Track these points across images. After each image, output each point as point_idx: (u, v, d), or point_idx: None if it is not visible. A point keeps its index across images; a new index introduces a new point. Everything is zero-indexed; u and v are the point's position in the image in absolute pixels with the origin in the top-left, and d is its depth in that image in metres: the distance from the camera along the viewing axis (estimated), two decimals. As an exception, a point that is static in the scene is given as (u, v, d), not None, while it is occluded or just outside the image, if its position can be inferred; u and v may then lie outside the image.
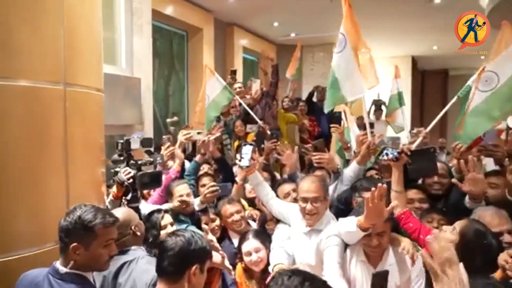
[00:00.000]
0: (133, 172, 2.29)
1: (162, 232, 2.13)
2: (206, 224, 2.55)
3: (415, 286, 1.92)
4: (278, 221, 2.51)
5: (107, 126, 2.47)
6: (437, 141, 6.92)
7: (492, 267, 1.37)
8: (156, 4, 5.07)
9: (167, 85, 6.21)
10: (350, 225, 1.91)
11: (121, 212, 1.92)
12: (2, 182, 1.78)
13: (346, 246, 2.07)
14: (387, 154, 2.23)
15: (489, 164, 2.73)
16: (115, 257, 1.71)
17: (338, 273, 1.92)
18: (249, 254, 2.25)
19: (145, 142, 2.48)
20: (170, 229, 2.17)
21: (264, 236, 2.37)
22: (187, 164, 3.38)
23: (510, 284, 1.23)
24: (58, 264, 1.55)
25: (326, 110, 3.19)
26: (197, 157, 3.13)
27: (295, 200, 2.29)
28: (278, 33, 8.14)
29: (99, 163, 2.28)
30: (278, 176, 3.48)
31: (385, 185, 1.81)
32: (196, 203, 2.69)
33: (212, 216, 2.65)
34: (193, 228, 2.44)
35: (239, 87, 4.78)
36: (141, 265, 1.77)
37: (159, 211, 2.24)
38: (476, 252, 1.07)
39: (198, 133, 3.31)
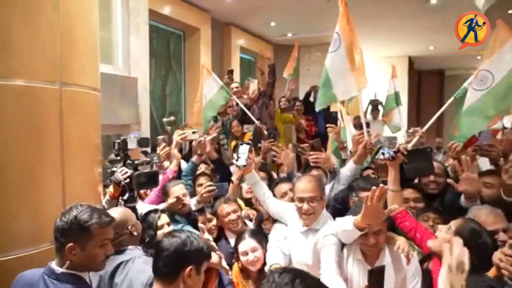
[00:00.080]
0: (129, 172, 2.29)
1: (159, 232, 2.13)
2: (203, 224, 2.55)
3: (411, 285, 1.92)
4: (274, 220, 2.51)
5: (104, 126, 2.46)
6: (434, 141, 6.95)
7: (487, 265, 1.38)
8: (153, 4, 5.06)
9: (164, 85, 6.20)
10: (346, 225, 1.92)
11: (118, 212, 1.91)
12: (-2, 182, 1.77)
13: (343, 245, 2.07)
14: (383, 154, 2.24)
15: (485, 163, 2.74)
16: (112, 257, 1.71)
17: (335, 271, 1.92)
18: (246, 253, 2.26)
19: (142, 142, 2.48)
20: (167, 229, 2.17)
21: (261, 235, 2.38)
22: (183, 164, 3.38)
23: (504, 281, 1.24)
24: (53, 265, 1.54)
25: (317, 109, 3.22)
26: (194, 158, 3.13)
27: (292, 200, 2.29)
28: (275, 33, 8.15)
29: (96, 162, 2.28)
30: (274, 175, 3.48)
31: (385, 186, 1.82)
32: (192, 203, 2.69)
33: (208, 216, 2.65)
34: (188, 227, 2.44)
35: (236, 87, 4.78)
36: (137, 265, 1.77)
37: (155, 211, 2.24)
38: (472, 251, 1.08)
39: (193, 132, 3.31)
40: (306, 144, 3.61)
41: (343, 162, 3.38)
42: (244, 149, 2.44)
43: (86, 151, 2.18)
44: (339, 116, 3.90)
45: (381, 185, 1.79)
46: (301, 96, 6.10)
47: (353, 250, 2.03)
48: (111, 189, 2.33)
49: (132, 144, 2.40)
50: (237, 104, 4.51)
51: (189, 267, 1.44)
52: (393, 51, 9.80)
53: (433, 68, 12.64)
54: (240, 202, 2.97)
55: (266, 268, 2.14)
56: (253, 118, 4.21)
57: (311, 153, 2.86)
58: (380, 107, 6.65)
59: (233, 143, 4.40)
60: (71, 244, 1.50)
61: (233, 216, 2.56)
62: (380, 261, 1.96)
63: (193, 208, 2.68)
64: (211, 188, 2.67)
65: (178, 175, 3.11)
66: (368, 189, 1.91)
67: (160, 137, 4.29)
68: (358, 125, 4.09)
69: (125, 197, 2.28)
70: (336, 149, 3.69)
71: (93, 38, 2.27)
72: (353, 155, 2.77)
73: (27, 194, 1.86)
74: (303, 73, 8.25)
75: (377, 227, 1.89)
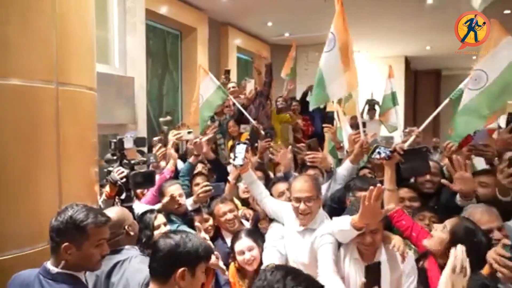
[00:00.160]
0: (126, 171, 2.28)
1: (156, 233, 2.13)
2: (200, 223, 2.55)
3: (407, 283, 1.93)
4: (271, 220, 2.52)
5: (100, 126, 2.46)
6: (431, 141, 6.98)
7: (481, 263, 1.39)
8: (150, 4, 5.05)
9: (161, 84, 6.19)
10: (344, 224, 1.92)
11: (115, 212, 1.91)
12: (-6, 182, 1.77)
13: (339, 244, 2.08)
14: (379, 153, 2.25)
15: (480, 163, 2.75)
16: (108, 257, 1.70)
17: (333, 270, 1.93)
18: (242, 253, 2.26)
19: (138, 142, 2.48)
20: (163, 229, 2.17)
21: (257, 235, 2.38)
22: (180, 164, 3.38)
23: (497, 278, 1.25)
24: (49, 265, 1.54)
25: (311, 108, 3.24)
26: (191, 159, 3.13)
27: (290, 199, 2.29)
28: (272, 33, 8.16)
29: (92, 162, 2.28)
30: (271, 175, 3.49)
31: (382, 186, 1.82)
32: (189, 203, 2.69)
33: (205, 216, 2.65)
34: (184, 227, 2.44)
35: (233, 87, 4.78)
36: (134, 264, 1.77)
37: (151, 211, 2.24)
38: (466, 249, 1.09)
39: (189, 132, 3.32)
40: (303, 144, 3.61)
41: (339, 161, 3.39)
42: (241, 149, 2.44)
43: (82, 151, 2.18)
44: (335, 116, 3.91)
45: (378, 184, 1.80)
46: (298, 96, 6.12)
47: (350, 249, 2.03)
48: (107, 188, 2.32)
49: (128, 144, 2.40)
50: (234, 104, 4.51)
51: (182, 269, 1.42)
52: (390, 51, 9.83)
53: (429, 68, 12.69)
54: (237, 201, 2.98)
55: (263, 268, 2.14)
56: (249, 118, 4.21)
57: (308, 152, 2.87)
58: (376, 107, 6.66)
59: (230, 142, 4.40)
60: (66, 243, 1.49)
61: (229, 216, 2.56)
62: (377, 260, 1.97)
63: (190, 208, 2.68)
64: (207, 188, 2.67)
65: (175, 175, 3.11)
66: (365, 189, 1.91)
67: (156, 138, 4.29)
68: (355, 125, 4.09)
69: (123, 196, 2.28)
70: (332, 149, 3.70)
71: (89, 37, 2.27)
72: (349, 154, 2.78)
73: (24, 194, 1.86)
74: (301, 73, 8.27)
75: (374, 226, 1.90)
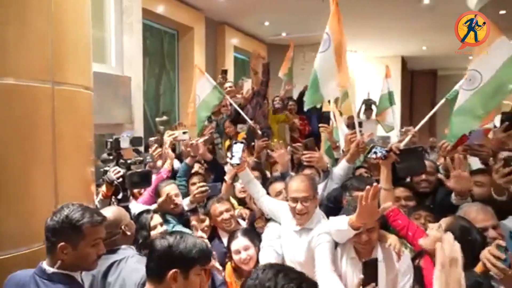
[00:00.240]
0: (122, 171, 2.28)
1: (152, 233, 2.12)
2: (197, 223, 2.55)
3: (403, 282, 1.94)
4: (267, 219, 2.52)
5: (97, 125, 2.45)
6: (428, 141, 7.00)
7: (476, 262, 1.40)
8: (147, 3, 5.04)
9: (157, 84, 6.18)
10: (341, 224, 1.92)
11: (111, 211, 1.91)
12: (-11, 182, 1.76)
13: (336, 244, 2.08)
14: (375, 153, 2.25)
15: (475, 163, 2.76)
16: (105, 256, 1.70)
17: (330, 268, 1.93)
18: (238, 252, 2.26)
19: (134, 141, 2.47)
20: (160, 229, 2.17)
21: (253, 234, 2.39)
22: (176, 164, 3.38)
23: (490, 276, 1.26)
24: (44, 265, 1.53)
25: (305, 108, 3.26)
26: (187, 160, 3.13)
27: (287, 199, 2.30)
28: (269, 33, 8.16)
29: (89, 162, 2.27)
30: (268, 174, 3.49)
31: (379, 185, 1.83)
32: (185, 203, 2.69)
33: (201, 216, 2.65)
34: (179, 227, 2.44)
35: (230, 87, 4.78)
36: (130, 264, 1.76)
37: (148, 211, 2.24)
38: (461, 248, 1.09)
39: (184, 133, 3.32)
40: (299, 144, 3.62)
41: (335, 161, 3.40)
42: (237, 148, 2.45)
43: (79, 150, 2.17)
44: (331, 115, 3.92)
45: (374, 183, 1.80)
46: (295, 95, 6.12)
47: (347, 249, 2.04)
48: (103, 188, 2.32)
49: (124, 143, 2.39)
50: (230, 103, 4.51)
51: (173, 270, 1.40)
52: (386, 51, 9.87)
53: (425, 68, 12.75)
54: (233, 201, 2.98)
55: (259, 268, 2.14)
56: (246, 118, 4.21)
57: (305, 152, 2.88)
58: (373, 107, 6.68)
59: (227, 142, 4.40)
60: (62, 243, 1.49)
61: (226, 216, 2.56)
62: (374, 258, 1.98)
63: (186, 208, 2.68)
64: (204, 188, 2.68)
65: (171, 175, 3.11)
66: (361, 189, 1.92)
67: (152, 138, 4.28)
68: (351, 125, 4.11)
69: (119, 196, 2.27)
70: (328, 149, 3.71)
71: (86, 36, 2.26)
72: (345, 154, 2.79)
73: (20, 194, 1.85)
74: (297, 72, 8.27)
75: (370, 224, 1.91)
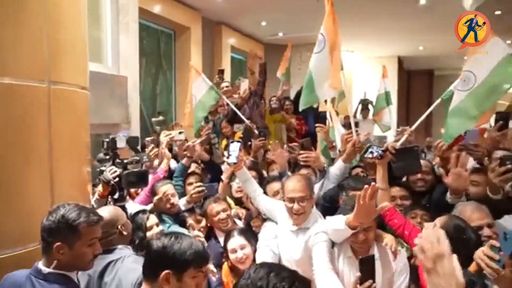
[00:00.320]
0: (119, 171, 2.28)
1: (148, 234, 2.12)
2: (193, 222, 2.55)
3: (399, 281, 1.95)
4: (264, 219, 2.53)
5: (93, 125, 2.45)
6: (424, 141, 7.04)
7: (470, 260, 1.40)
8: (143, 2, 5.03)
9: (154, 84, 6.17)
10: (338, 223, 1.93)
11: (108, 211, 1.90)
12: (-16, 182, 1.75)
13: (333, 243, 2.09)
14: (372, 153, 2.26)
15: (470, 163, 2.77)
16: (101, 256, 1.69)
17: (328, 267, 1.94)
18: (234, 251, 2.26)
19: (131, 141, 2.47)
20: (156, 230, 2.16)
21: (250, 233, 2.39)
22: (173, 164, 3.38)
23: (484, 275, 1.27)
24: (40, 265, 1.52)
25: (300, 109, 3.26)
26: (184, 160, 3.12)
27: (284, 199, 2.30)
28: (266, 33, 8.17)
29: (85, 162, 2.26)
30: (265, 174, 3.49)
31: (377, 185, 1.83)
32: (182, 203, 2.69)
33: (198, 217, 2.64)
34: (175, 227, 2.44)
35: (226, 86, 4.78)
36: (127, 264, 1.76)
37: (144, 212, 2.23)
38: (456, 246, 1.10)
39: (180, 133, 3.32)
40: (296, 143, 3.62)
41: (331, 161, 3.40)
42: (234, 147, 2.45)
43: (74, 150, 2.16)
44: (327, 115, 3.92)
45: (372, 183, 1.81)
46: (292, 95, 6.13)
47: (344, 248, 2.05)
48: (100, 188, 2.31)
49: (121, 143, 2.39)
50: (227, 103, 4.51)
51: (166, 272, 1.38)
52: (383, 51, 9.90)
53: (422, 68, 12.80)
54: (230, 201, 2.98)
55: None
56: (243, 117, 4.21)
57: (301, 152, 2.88)
58: (370, 107, 6.69)
59: (224, 142, 4.40)
60: (58, 243, 1.48)
61: (222, 215, 2.55)
62: (370, 256, 1.98)
63: (183, 208, 2.68)
64: (200, 189, 2.68)
65: (168, 174, 3.11)
66: (358, 189, 1.92)
67: (148, 138, 4.28)
68: (348, 125, 4.11)
69: (116, 196, 2.27)
70: (324, 149, 3.71)
71: (82, 36, 2.25)
72: (342, 154, 2.80)
73: (15, 193, 1.84)
74: (294, 72, 8.28)
75: (367, 224, 1.91)
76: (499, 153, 2.32)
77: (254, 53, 4.92)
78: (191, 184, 2.99)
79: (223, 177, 3.05)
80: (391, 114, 5.98)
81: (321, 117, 4.91)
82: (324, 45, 2.85)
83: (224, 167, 3.23)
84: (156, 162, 3.22)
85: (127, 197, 2.44)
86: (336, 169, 2.66)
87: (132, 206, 2.53)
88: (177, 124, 4.96)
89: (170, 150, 3.52)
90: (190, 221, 2.57)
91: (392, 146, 2.30)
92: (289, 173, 3.02)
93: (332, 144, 3.60)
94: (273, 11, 6.70)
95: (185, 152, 3.14)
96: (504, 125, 2.46)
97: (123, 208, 2.19)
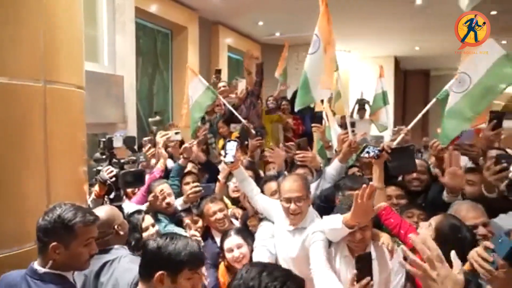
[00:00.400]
0: (115, 170, 2.27)
1: (145, 234, 2.11)
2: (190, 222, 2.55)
3: (395, 281, 1.96)
4: (261, 219, 2.53)
5: (89, 125, 2.44)
6: (421, 140, 7.06)
7: (465, 260, 1.41)
8: (140, 2, 5.02)
9: (151, 83, 6.15)
10: (335, 222, 1.93)
11: (105, 211, 1.90)
12: (-21, 181, 1.75)
13: (330, 243, 2.09)
14: (368, 152, 2.27)
15: (465, 162, 2.79)
16: (97, 256, 1.69)
17: (326, 265, 1.94)
18: (231, 250, 2.27)
19: (127, 141, 2.46)
20: (152, 230, 2.16)
21: (246, 233, 2.39)
22: (170, 163, 3.37)
23: (478, 275, 1.28)
24: (36, 265, 1.52)
25: (296, 109, 3.27)
26: (180, 160, 3.12)
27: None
28: (263, 32, 8.17)
29: (81, 161, 2.26)
30: (261, 174, 3.50)
31: (377, 184, 1.84)
32: (178, 203, 2.68)
33: (194, 218, 2.64)
34: (171, 226, 2.44)
35: (223, 86, 4.78)
36: (123, 264, 1.76)
37: (139, 212, 2.22)
38: (451, 245, 1.11)
39: (176, 133, 3.32)
40: (292, 143, 3.63)
41: (328, 161, 3.41)
42: (231, 146, 2.45)
43: (71, 150, 2.16)
44: (324, 115, 3.93)
45: (370, 183, 1.81)
46: (289, 95, 6.13)
47: (340, 247, 2.05)
48: (96, 188, 2.31)
49: (117, 143, 2.39)
50: (224, 103, 4.51)
51: (160, 272, 1.37)
52: (380, 51, 9.92)
53: (418, 68, 12.84)
54: (227, 200, 2.98)
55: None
56: (240, 117, 4.20)
57: (298, 152, 2.88)
58: (367, 107, 6.71)
59: (221, 141, 4.40)
60: (54, 243, 1.48)
61: (219, 215, 2.55)
62: (367, 256, 1.99)
63: (179, 208, 2.67)
64: (197, 189, 2.67)
65: (165, 174, 3.10)
66: (355, 189, 1.93)
67: (145, 138, 4.27)
68: (344, 125, 4.11)
69: (111, 196, 2.27)
70: (321, 149, 3.71)
71: (78, 35, 2.25)
72: (338, 154, 2.81)
73: (11, 193, 1.84)
74: (291, 72, 8.29)
75: (364, 223, 1.92)
76: (493, 153, 2.34)
77: (250, 53, 4.91)
78: (188, 183, 2.99)
79: (220, 176, 3.05)
80: (388, 114, 5.99)
81: (317, 117, 4.92)
82: (318, 46, 2.86)
83: (221, 166, 3.23)
84: (153, 161, 3.22)
85: (124, 197, 2.44)
86: (332, 169, 2.67)
87: (129, 206, 2.52)
88: (173, 124, 4.95)
89: (167, 149, 3.52)
90: (187, 220, 2.57)
91: (388, 146, 2.31)
92: (285, 172, 3.02)
93: (329, 144, 3.61)
94: (270, 11, 6.70)
95: (182, 155, 3.14)
96: (498, 124, 2.48)
97: (120, 208, 2.18)
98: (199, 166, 3.52)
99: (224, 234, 2.37)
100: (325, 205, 2.43)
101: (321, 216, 2.15)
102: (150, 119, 5.60)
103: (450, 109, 2.52)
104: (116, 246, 1.86)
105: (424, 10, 6.34)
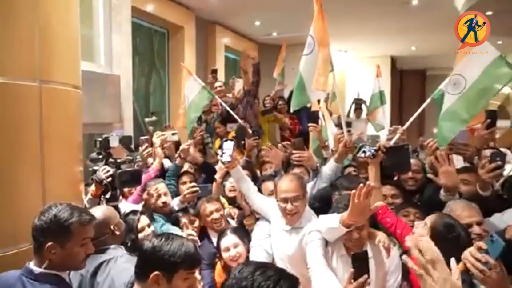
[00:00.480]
0: (112, 170, 2.27)
1: (140, 235, 2.11)
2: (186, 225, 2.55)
3: (391, 281, 1.97)
4: (257, 218, 2.53)
5: (86, 124, 2.43)
6: (417, 140, 7.07)
7: (460, 258, 1.42)
8: (136, 1, 5.01)
9: (147, 83, 6.14)
10: (332, 222, 1.94)
11: (101, 211, 1.90)
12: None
13: (326, 242, 2.10)
14: (364, 152, 2.28)
15: (460, 162, 2.80)
16: (94, 256, 1.69)
17: (324, 263, 1.95)
18: (228, 249, 2.27)
19: (124, 140, 2.46)
20: (148, 231, 2.15)
21: (243, 232, 2.40)
22: (166, 162, 3.37)
23: (472, 274, 1.29)
24: (31, 265, 1.52)
25: (292, 110, 3.29)
26: (177, 160, 3.12)
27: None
28: (260, 32, 8.16)
29: (77, 161, 2.25)
30: (258, 173, 3.50)
31: (373, 184, 1.85)
32: (175, 202, 2.68)
33: (191, 218, 2.64)
34: (168, 225, 2.44)
35: (220, 86, 4.77)
36: (120, 263, 1.75)
37: (134, 213, 2.22)
38: (446, 244, 1.11)
39: (173, 134, 3.32)
40: (288, 142, 3.63)
41: (324, 160, 3.42)
42: (228, 145, 2.45)
43: (67, 150, 2.15)
44: (320, 115, 3.94)
45: (368, 182, 1.82)
46: (286, 95, 6.14)
47: (337, 247, 2.06)
48: (93, 187, 2.30)
49: (114, 143, 2.38)
50: (221, 103, 4.51)
51: (155, 273, 1.36)
52: (376, 51, 9.94)
53: (414, 68, 12.88)
54: (223, 200, 2.98)
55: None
56: (236, 117, 4.21)
57: (294, 151, 2.89)
58: (363, 106, 6.72)
59: (218, 141, 4.40)
60: (50, 243, 1.48)
61: (216, 215, 2.55)
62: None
63: (176, 208, 2.67)
64: (194, 189, 2.67)
65: (162, 174, 3.10)
66: (351, 188, 1.93)
67: (143, 137, 4.26)
68: (341, 124, 4.12)
69: (107, 195, 2.26)
70: (316, 148, 3.72)
71: (73, 35, 2.24)
72: (334, 153, 2.81)
73: (6, 193, 1.83)
74: (288, 72, 8.31)
75: (361, 222, 1.92)
76: (487, 152, 2.35)
77: (246, 54, 4.91)
78: (184, 183, 2.99)
79: (217, 176, 3.05)
80: (385, 114, 6.02)
81: (314, 117, 4.93)
82: (313, 47, 2.86)
83: (217, 166, 3.23)
84: (150, 161, 3.21)
85: (120, 197, 2.43)
86: (328, 169, 2.67)
87: (126, 206, 2.52)
88: (169, 126, 4.94)
89: (163, 150, 3.51)
90: (184, 219, 2.57)
91: (383, 145, 2.32)
92: (282, 172, 3.02)
93: (325, 143, 3.62)
94: (267, 11, 6.70)
95: (178, 156, 3.14)
96: (492, 123, 2.49)
97: (116, 208, 2.18)
98: (196, 167, 3.52)
99: (221, 233, 2.38)
100: (319, 205, 2.42)
101: (319, 216, 2.16)
102: (146, 119, 5.59)
103: (446, 111, 2.53)
104: (112, 246, 1.86)
105: (420, 10, 6.36)
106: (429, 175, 2.34)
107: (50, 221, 1.49)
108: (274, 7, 6.43)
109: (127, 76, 4.71)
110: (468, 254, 1.31)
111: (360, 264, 1.54)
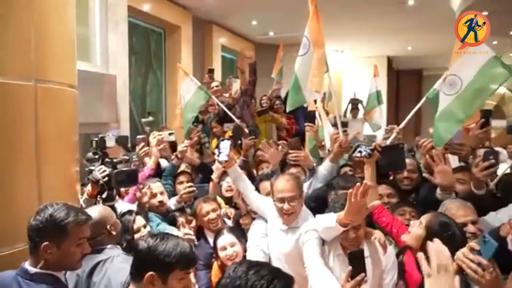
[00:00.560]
0: (108, 170, 2.26)
1: (136, 236, 2.10)
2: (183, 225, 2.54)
3: (387, 280, 1.97)
4: (253, 218, 2.53)
5: (82, 124, 2.43)
6: (414, 140, 7.10)
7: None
8: (132, 1, 4.99)
9: (144, 83, 6.12)
10: (329, 221, 1.94)
11: (98, 211, 1.90)
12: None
13: (323, 241, 2.10)
14: (360, 152, 2.28)
15: (455, 162, 2.82)
16: (90, 256, 1.69)
17: (321, 262, 1.95)
18: (224, 248, 2.27)
19: (120, 140, 2.45)
20: (143, 231, 2.15)
21: (239, 231, 2.40)
22: (162, 162, 3.37)
23: (466, 274, 1.30)
24: (27, 265, 1.51)
25: (288, 110, 3.29)
26: (174, 160, 3.12)
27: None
28: (257, 32, 8.16)
29: (73, 161, 2.24)
30: (255, 173, 3.50)
31: (369, 183, 1.85)
32: (172, 202, 2.68)
33: (188, 217, 2.64)
34: (164, 225, 2.43)
35: (216, 86, 4.77)
36: (116, 263, 1.75)
37: (130, 213, 2.21)
38: (442, 243, 1.12)
39: (170, 134, 3.31)
40: (284, 142, 3.64)
41: (320, 160, 3.43)
42: (225, 145, 2.45)
43: (63, 150, 2.15)
44: (317, 114, 3.95)
45: (364, 181, 1.83)
46: (283, 94, 6.15)
47: (334, 246, 2.06)
48: (89, 187, 2.30)
49: (110, 142, 2.38)
50: (217, 103, 4.51)
51: (150, 273, 1.35)
52: (372, 51, 9.97)
53: (411, 67, 12.93)
54: (220, 200, 2.98)
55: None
56: (233, 117, 4.21)
57: (290, 151, 2.89)
58: (360, 106, 6.75)
59: (215, 141, 4.40)
60: (46, 243, 1.47)
61: (212, 215, 2.56)
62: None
63: (173, 208, 2.67)
64: (191, 189, 2.67)
65: (159, 173, 3.09)
66: (347, 188, 1.94)
67: (139, 136, 4.25)
68: (336, 124, 4.13)
69: (104, 195, 2.26)
70: (313, 148, 3.73)
71: (69, 34, 2.23)
72: (331, 153, 2.82)
73: (2, 193, 1.82)
74: (285, 71, 8.32)
75: (357, 222, 1.93)
76: (482, 152, 2.37)
77: (243, 54, 4.91)
78: (181, 183, 2.99)
79: (213, 176, 3.05)
80: (381, 113, 6.04)
81: (310, 116, 4.93)
82: (308, 47, 2.87)
83: (214, 166, 3.23)
84: (147, 160, 3.21)
85: (116, 197, 2.43)
86: (323, 169, 2.67)
87: (122, 205, 2.51)
88: (165, 127, 4.93)
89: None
90: (181, 219, 2.56)
91: (379, 144, 2.33)
92: (279, 171, 3.03)
93: (321, 143, 3.62)
94: (264, 10, 6.70)
95: (175, 156, 3.14)
96: (486, 122, 2.51)
97: (112, 208, 2.17)
98: (192, 167, 3.52)
99: (218, 233, 2.38)
100: (315, 205, 2.43)
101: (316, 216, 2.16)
102: (143, 120, 5.57)
103: (442, 111, 2.54)
104: (109, 246, 1.86)
105: (417, 11, 6.38)
106: (425, 175, 2.35)
107: (46, 220, 1.49)
108: (271, 6, 6.44)
109: (124, 76, 4.70)
110: (461, 254, 1.32)
111: (356, 263, 1.55)
